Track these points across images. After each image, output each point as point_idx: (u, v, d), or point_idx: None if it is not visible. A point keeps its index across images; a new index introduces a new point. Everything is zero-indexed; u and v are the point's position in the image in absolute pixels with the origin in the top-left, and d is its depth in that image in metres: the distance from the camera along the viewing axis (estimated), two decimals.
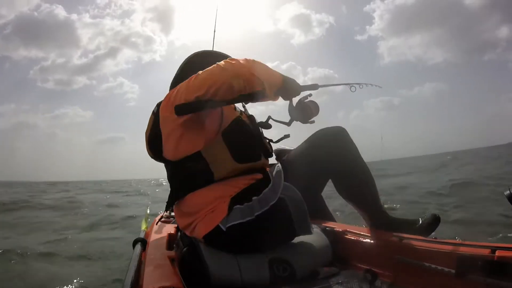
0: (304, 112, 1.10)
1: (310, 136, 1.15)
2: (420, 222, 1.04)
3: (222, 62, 0.87)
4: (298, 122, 1.10)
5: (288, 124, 1.11)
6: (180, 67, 1.10)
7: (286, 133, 1.13)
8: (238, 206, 0.85)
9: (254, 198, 0.86)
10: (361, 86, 1.24)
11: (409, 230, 0.99)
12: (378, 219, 1.08)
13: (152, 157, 1.04)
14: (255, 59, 0.91)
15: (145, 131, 1.04)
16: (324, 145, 1.10)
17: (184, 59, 1.12)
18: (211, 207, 0.87)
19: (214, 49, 1.40)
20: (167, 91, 0.98)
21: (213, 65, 0.87)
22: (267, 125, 1.09)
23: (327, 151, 1.08)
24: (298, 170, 1.04)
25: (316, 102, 1.14)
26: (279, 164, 0.97)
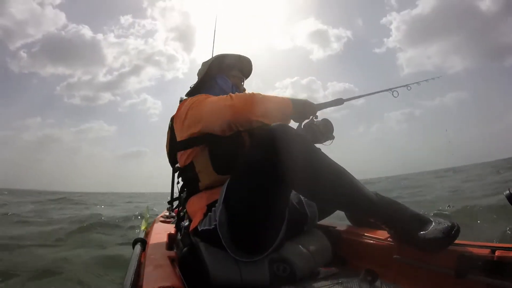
0: (313, 134, 1.03)
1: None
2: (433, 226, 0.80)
3: (222, 102, 0.91)
4: None
5: None
6: (204, 69, 1.18)
7: None
8: (210, 214, 0.90)
9: (213, 208, 0.89)
10: (408, 88, 1.07)
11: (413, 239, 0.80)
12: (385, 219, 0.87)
13: (172, 166, 1.15)
14: (258, 94, 0.93)
15: (165, 145, 1.15)
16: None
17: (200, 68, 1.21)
18: (199, 213, 0.94)
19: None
20: None
21: (213, 100, 0.94)
22: None
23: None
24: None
25: (330, 120, 1.05)
26: (226, 183, 0.88)
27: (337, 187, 0.83)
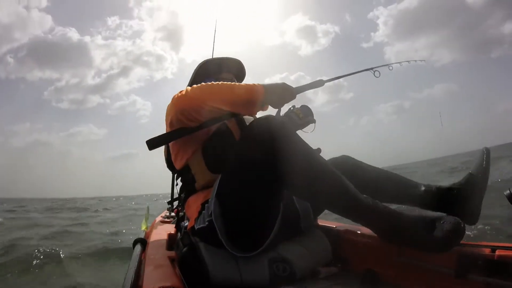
0: (292, 121, 1.03)
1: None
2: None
3: (177, 95, 0.93)
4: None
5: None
6: (192, 75, 1.21)
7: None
8: (203, 212, 0.90)
9: (206, 205, 0.89)
10: (390, 68, 1.06)
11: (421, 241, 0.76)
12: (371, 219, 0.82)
13: (170, 170, 1.17)
14: (220, 82, 0.93)
15: (163, 152, 1.18)
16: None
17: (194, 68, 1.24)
18: (195, 212, 0.95)
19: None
20: None
21: (173, 96, 0.94)
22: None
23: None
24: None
25: (308, 106, 1.04)
26: (219, 177, 0.89)
27: (332, 189, 0.81)
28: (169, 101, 0.97)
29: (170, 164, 1.13)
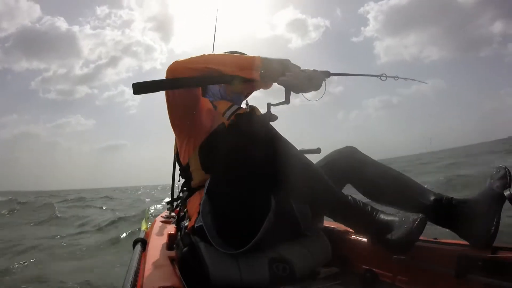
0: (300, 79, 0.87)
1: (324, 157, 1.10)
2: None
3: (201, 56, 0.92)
4: (301, 96, 0.89)
5: (286, 101, 0.90)
6: None
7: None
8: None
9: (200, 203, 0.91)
10: (396, 78, 1.07)
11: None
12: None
13: (179, 166, 1.17)
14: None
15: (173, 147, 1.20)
16: (338, 160, 1.04)
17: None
18: (195, 212, 0.97)
19: (215, 51, 1.49)
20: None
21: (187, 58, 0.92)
22: (272, 117, 0.92)
23: (341, 166, 1.03)
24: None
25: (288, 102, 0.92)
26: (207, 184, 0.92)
27: (316, 190, 0.86)
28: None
29: (178, 160, 1.16)
